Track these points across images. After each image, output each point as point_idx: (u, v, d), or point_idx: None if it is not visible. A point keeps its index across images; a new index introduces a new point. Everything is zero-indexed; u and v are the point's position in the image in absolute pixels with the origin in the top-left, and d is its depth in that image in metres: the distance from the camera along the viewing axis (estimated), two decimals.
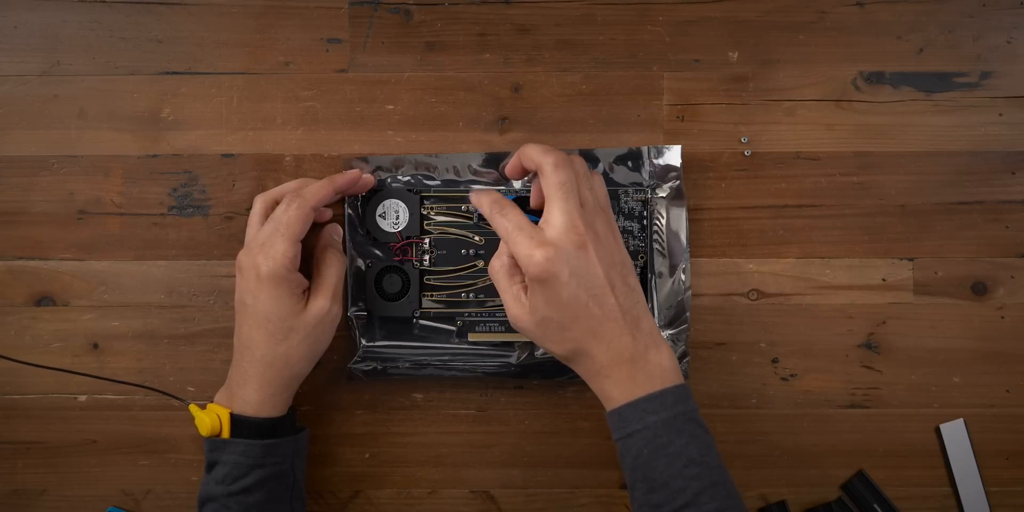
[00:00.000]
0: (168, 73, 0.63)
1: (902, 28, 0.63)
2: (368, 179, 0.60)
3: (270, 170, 0.63)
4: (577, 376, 0.61)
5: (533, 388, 0.63)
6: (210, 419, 0.56)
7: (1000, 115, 0.63)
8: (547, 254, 0.51)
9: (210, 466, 0.56)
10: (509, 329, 0.61)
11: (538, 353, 0.61)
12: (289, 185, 0.60)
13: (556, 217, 0.52)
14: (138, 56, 0.63)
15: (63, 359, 0.63)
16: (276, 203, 0.59)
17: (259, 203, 0.59)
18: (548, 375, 0.62)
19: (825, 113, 0.63)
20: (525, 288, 0.53)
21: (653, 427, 0.51)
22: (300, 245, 0.56)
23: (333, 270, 0.58)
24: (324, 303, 0.57)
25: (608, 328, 0.52)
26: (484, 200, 0.55)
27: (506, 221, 0.53)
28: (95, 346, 0.63)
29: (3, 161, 0.63)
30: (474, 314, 0.61)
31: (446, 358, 0.61)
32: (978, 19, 0.63)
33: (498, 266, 0.54)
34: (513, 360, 0.61)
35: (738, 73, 0.63)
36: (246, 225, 0.59)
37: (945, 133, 0.63)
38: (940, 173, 0.63)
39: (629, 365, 0.52)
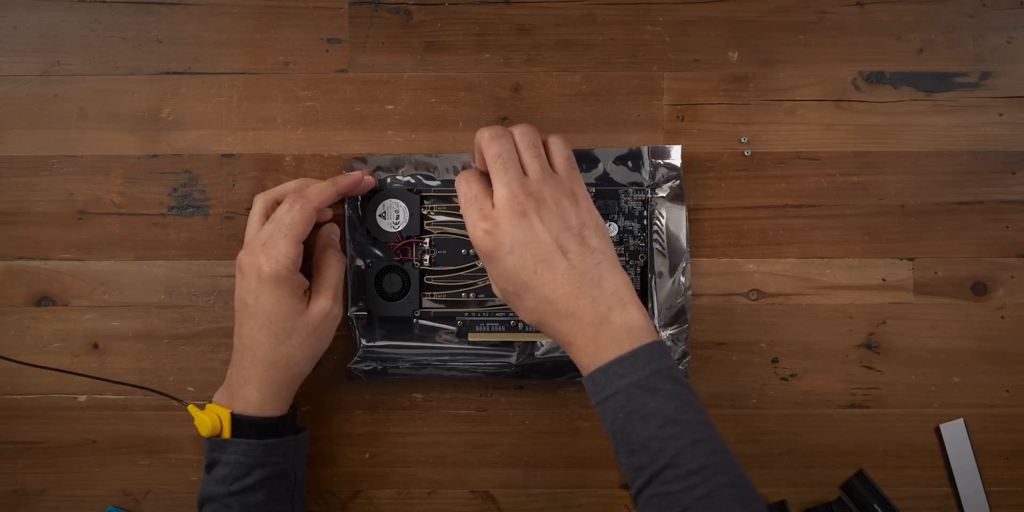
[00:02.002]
0: (168, 73, 0.63)
1: (902, 28, 0.63)
2: (369, 181, 0.60)
3: (270, 170, 0.63)
4: (576, 376, 0.61)
5: (533, 388, 0.63)
6: (210, 419, 0.56)
7: (1000, 115, 0.63)
8: (487, 227, 0.52)
9: (210, 466, 0.56)
10: (509, 329, 0.61)
11: (538, 353, 0.61)
12: (290, 185, 0.60)
13: (497, 190, 0.52)
14: (138, 56, 0.63)
15: (63, 359, 0.63)
16: (276, 203, 0.59)
17: (259, 203, 0.59)
18: (548, 375, 0.62)
19: (825, 113, 0.63)
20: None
21: (626, 390, 0.49)
22: (302, 246, 0.56)
23: (333, 270, 0.58)
24: (326, 303, 0.57)
25: (563, 293, 0.51)
26: (462, 172, 0.55)
27: (465, 188, 0.54)
28: (95, 346, 0.63)
29: (3, 161, 0.63)
30: (474, 314, 0.61)
31: (446, 358, 0.61)
32: (978, 19, 0.63)
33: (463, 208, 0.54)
34: (513, 360, 0.61)
35: (738, 73, 0.63)
36: (246, 225, 0.59)
37: (945, 133, 0.63)
38: (940, 173, 0.63)
39: (592, 328, 0.50)
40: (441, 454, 0.63)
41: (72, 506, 0.63)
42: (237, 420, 0.56)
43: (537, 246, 0.51)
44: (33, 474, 0.63)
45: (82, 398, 0.63)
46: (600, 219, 0.54)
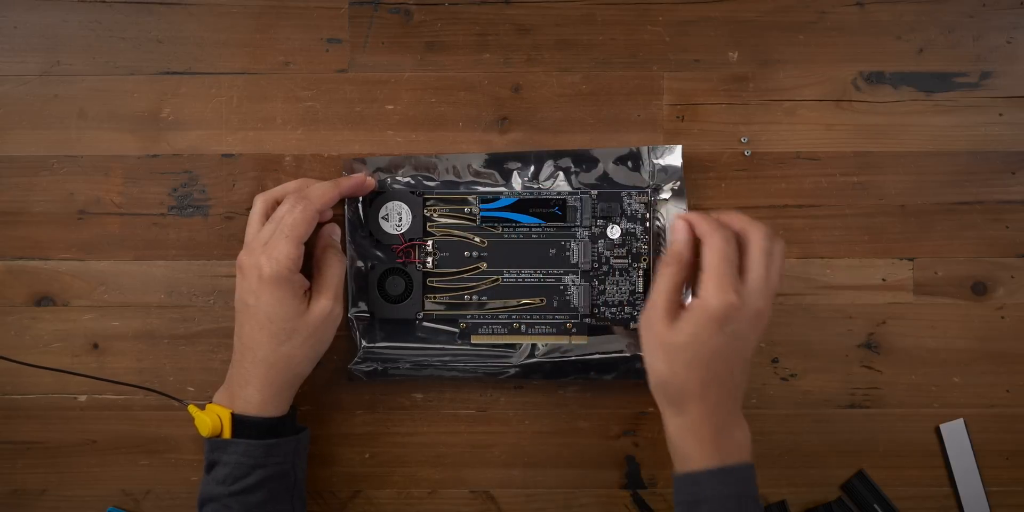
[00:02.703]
0: (168, 73, 0.63)
1: (902, 28, 0.63)
2: (371, 182, 0.60)
3: (270, 170, 0.63)
4: (576, 376, 0.61)
5: (533, 388, 0.63)
6: (211, 419, 0.56)
7: (1000, 115, 0.63)
8: (737, 301, 0.51)
9: (210, 466, 0.56)
10: (512, 331, 0.61)
11: (538, 354, 0.61)
12: (290, 185, 0.60)
13: (753, 275, 0.53)
14: (138, 56, 0.63)
15: (63, 359, 0.63)
16: (277, 203, 0.58)
17: (259, 203, 0.59)
18: (548, 376, 0.62)
19: (825, 113, 0.63)
20: (682, 306, 0.54)
21: (723, 501, 0.52)
22: (303, 247, 0.56)
23: (334, 270, 0.58)
24: (327, 304, 0.57)
25: (717, 393, 0.53)
26: (704, 218, 0.54)
27: (724, 248, 0.53)
28: (95, 346, 0.63)
29: (3, 161, 0.63)
30: (477, 316, 0.61)
31: (447, 359, 0.61)
32: (978, 19, 0.63)
33: (670, 271, 0.54)
34: (514, 361, 0.61)
35: (738, 73, 0.63)
36: (246, 225, 0.59)
37: (945, 133, 0.63)
38: (940, 173, 0.63)
39: (718, 431, 0.53)
40: (441, 454, 0.63)
41: (72, 506, 0.63)
42: (238, 420, 0.56)
43: (745, 344, 0.53)
44: (33, 474, 0.63)
45: (82, 398, 0.63)
46: None
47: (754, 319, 0.52)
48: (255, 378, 0.56)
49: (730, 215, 0.55)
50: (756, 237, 0.53)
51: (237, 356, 0.57)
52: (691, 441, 0.53)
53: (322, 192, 0.57)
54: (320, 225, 0.60)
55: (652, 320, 0.54)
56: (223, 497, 0.55)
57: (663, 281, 0.54)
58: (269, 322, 0.55)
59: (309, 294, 0.57)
